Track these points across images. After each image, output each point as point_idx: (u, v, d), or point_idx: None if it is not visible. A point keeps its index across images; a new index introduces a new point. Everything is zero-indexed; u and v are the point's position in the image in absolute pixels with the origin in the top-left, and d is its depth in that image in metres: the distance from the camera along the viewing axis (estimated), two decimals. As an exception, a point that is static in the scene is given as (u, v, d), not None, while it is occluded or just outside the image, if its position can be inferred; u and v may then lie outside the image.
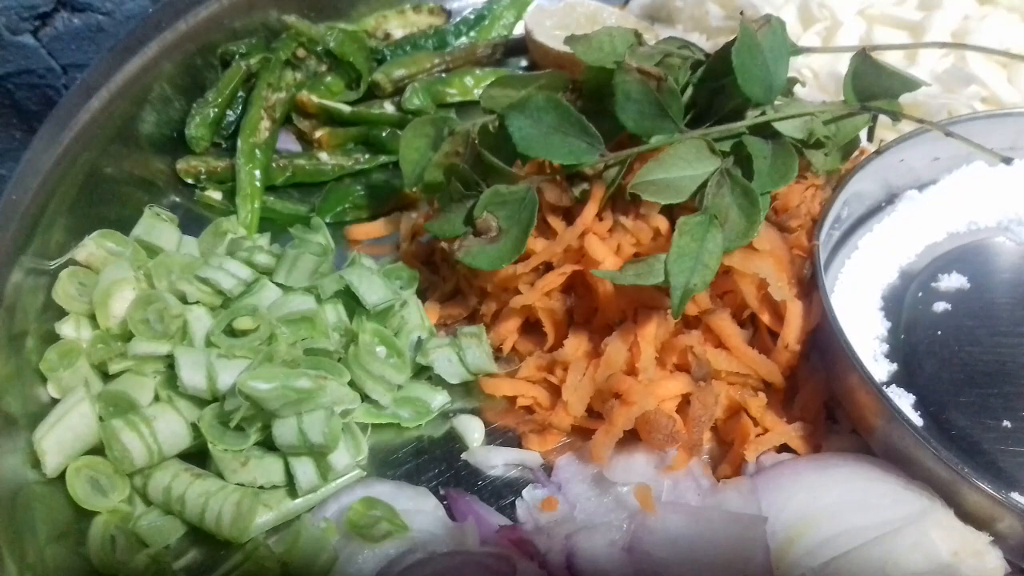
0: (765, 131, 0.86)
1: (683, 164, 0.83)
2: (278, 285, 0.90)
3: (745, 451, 0.82)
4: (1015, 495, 0.74)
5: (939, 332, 0.87)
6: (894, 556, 0.71)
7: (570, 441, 0.87)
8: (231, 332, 0.83)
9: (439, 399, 0.89)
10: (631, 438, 0.83)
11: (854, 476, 0.77)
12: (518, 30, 1.26)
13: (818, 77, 1.11)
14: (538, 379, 0.90)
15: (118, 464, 0.79)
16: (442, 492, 0.84)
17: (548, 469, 0.86)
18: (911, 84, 0.90)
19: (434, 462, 0.87)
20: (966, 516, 0.74)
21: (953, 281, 0.90)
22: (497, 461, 0.86)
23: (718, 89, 0.87)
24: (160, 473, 0.80)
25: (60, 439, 0.79)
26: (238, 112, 1.12)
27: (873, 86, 0.90)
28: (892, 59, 1.09)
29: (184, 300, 0.86)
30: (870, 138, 0.96)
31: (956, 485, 0.73)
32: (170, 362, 0.82)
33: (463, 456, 0.87)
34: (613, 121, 0.84)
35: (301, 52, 1.15)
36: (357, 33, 1.19)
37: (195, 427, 0.81)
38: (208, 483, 0.79)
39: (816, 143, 0.86)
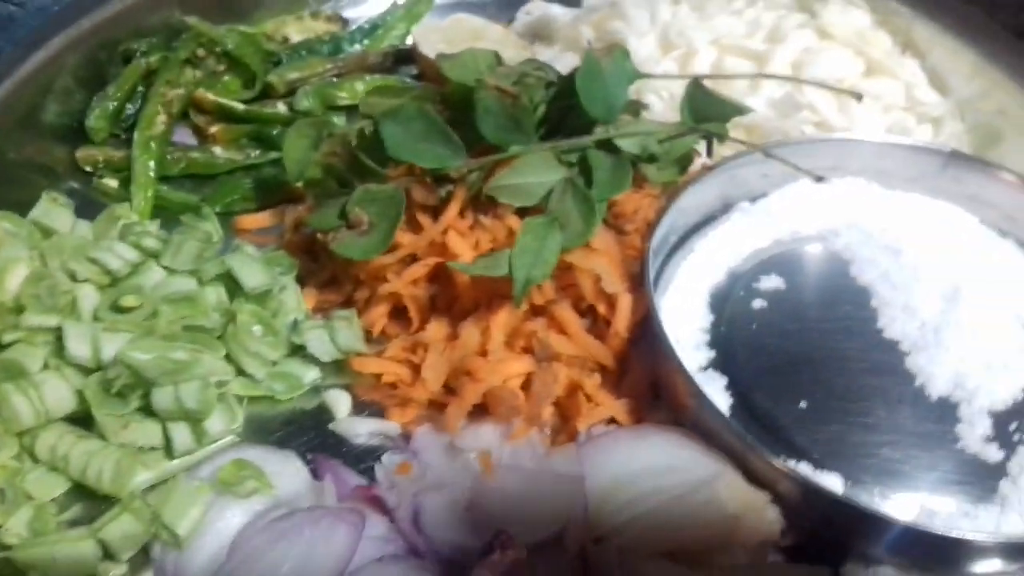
0: (607, 146, 0.97)
1: (534, 172, 0.94)
2: (164, 268, 0.97)
3: (578, 423, 0.93)
4: (804, 464, 0.86)
5: (754, 325, 0.98)
6: (689, 511, 0.82)
7: (428, 414, 0.96)
8: (117, 309, 0.91)
9: (311, 375, 0.98)
10: (481, 411, 0.93)
11: (663, 444, 0.88)
12: (410, 40, 1.36)
13: (674, 98, 1.23)
14: (402, 358, 0.99)
15: (7, 424, 0.86)
16: (310, 457, 0.93)
17: (407, 438, 0.95)
18: (739, 110, 1.03)
19: (304, 431, 0.96)
20: (753, 479, 0.85)
21: (772, 282, 1.01)
22: (361, 430, 0.95)
23: (568, 107, 0.98)
24: (47, 433, 0.87)
25: (-46, 400, 0.86)
26: (137, 106, 1.19)
27: (707, 109, 1.02)
28: (739, 85, 1.22)
29: (74, 278, 0.93)
30: (709, 154, 1.08)
31: (744, 453, 0.85)
32: (59, 334, 0.89)
33: (330, 426, 0.96)
34: (475, 131, 0.95)
35: (201, 52, 1.23)
36: (255, 36, 1.27)
37: (80, 393, 0.89)
38: (91, 443, 0.87)
39: (650, 157, 0.98)
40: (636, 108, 1.05)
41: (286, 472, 0.89)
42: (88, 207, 1.09)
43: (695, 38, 1.25)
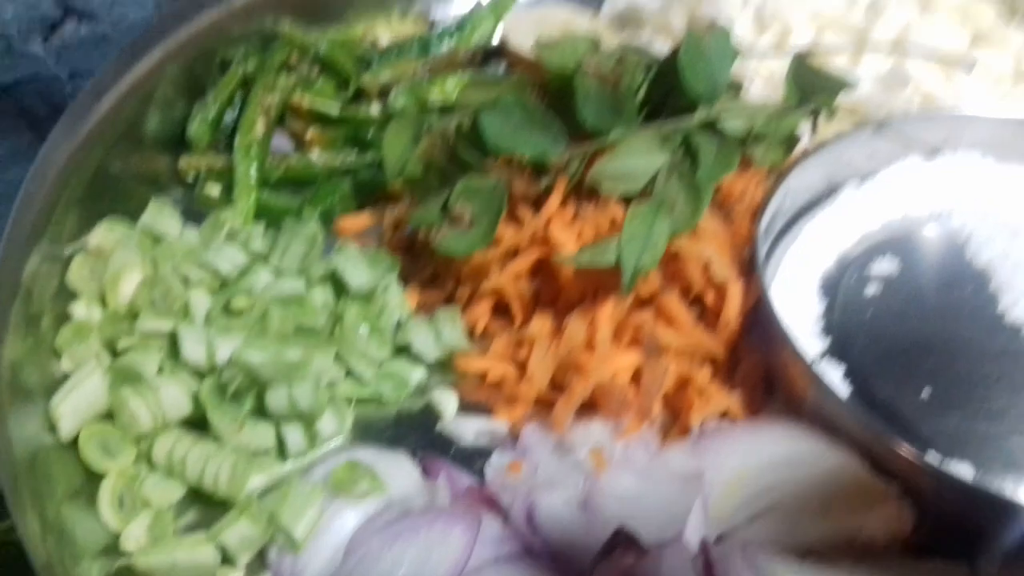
0: (712, 127, 0.95)
1: (637, 157, 0.92)
2: (272, 270, 0.98)
3: (690, 418, 0.91)
4: (931, 455, 0.82)
5: (869, 311, 0.95)
6: (815, 507, 0.80)
7: (535, 411, 0.94)
8: (229, 312, 0.92)
9: (417, 375, 0.97)
10: (589, 408, 0.92)
11: (783, 437, 0.85)
12: (499, 36, 1.34)
13: (773, 78, 1.19)
14: (507, 356, 0.97)
15: (126, 429, 0.87)
16: (420, 457, 0.93)
17: (515, 437, 0.93)
18: (845, 84, 0.99)
19: (412, 431, 0.95)
20: (879, 471, 0.82)
21: (885, 266, 0.99)
22: (469, 430, 0.94)
23: (669, 90, 0.96)
24: (163, 437, 0.88)
25: (74, 406, 0.87)
26: (236, 113, 1.20)
27: (811, 86, 0.99)
28: (839, 63, 1.18)
29: (186, 283, 0.95)
30: (814, 131, 1.05)
31: (870, 444, 0.82)
32: (173, 338, 0.90)
33: (438, 427, 0.95)
34: (572, 120, 0.93)
35: (294, 58, 1.24)
36: (347, 40, 1.27)
37: (195, 397, 0.89)
38: (207, 447, 0.87)
39: (756, 137, 0.95)
40: (737, 88, 1.02)
41: (398, 473, 0.88)
42: (192, 217, 1.10)
43: (791, 15, 1.20)
